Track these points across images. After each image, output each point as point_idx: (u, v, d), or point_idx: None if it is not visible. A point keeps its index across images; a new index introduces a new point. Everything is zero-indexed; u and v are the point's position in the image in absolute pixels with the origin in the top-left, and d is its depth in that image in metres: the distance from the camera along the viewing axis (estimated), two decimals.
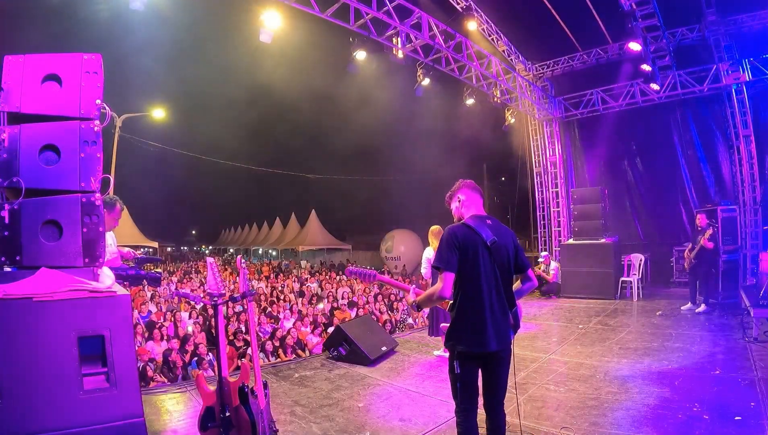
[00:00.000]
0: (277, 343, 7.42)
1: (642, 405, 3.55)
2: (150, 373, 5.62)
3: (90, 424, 1.98)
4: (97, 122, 2.32)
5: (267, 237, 31.83)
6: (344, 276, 16.84)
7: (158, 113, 15.33)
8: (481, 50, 9.43)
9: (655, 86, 9.82)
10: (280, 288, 13.05)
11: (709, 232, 7.26)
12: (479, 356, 2.36)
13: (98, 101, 2.34)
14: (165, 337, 7.04)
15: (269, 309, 9.56)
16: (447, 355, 5.59)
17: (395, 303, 10.87)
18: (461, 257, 2.33)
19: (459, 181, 2.69)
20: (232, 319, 8.30)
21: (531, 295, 9.74)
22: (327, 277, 16.35)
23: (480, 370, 2.42)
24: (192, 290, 12.06)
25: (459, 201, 2.61)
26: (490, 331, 2.31)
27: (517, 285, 2.57)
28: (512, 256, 2.47)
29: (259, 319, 8.45)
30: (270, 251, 33.48)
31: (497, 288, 2.37)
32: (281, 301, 10.74)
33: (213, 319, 2.84)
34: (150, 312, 8.71)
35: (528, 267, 2.57)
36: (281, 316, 9.12)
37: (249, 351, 6.70)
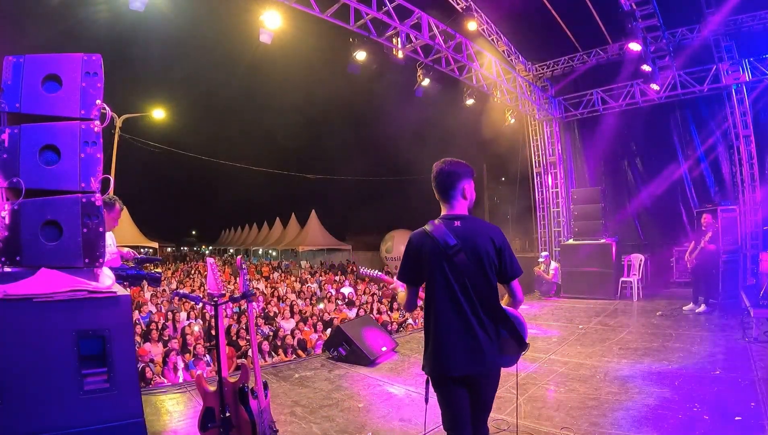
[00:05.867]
0: (278, 343, 7.43)
1: (642, 405, 3.55)
2: (150, 373, 5.62)
3: (90, 424, 1.98)
4: (97, 122, 2.32)
5: (267, 237, 31.82)
6: (344, 276, 16.86)
7: (158, 113, 15.34)
8: (481, 50, 9.43)
9: (655, 86, 9.82)
10: (280, 290, 13.05)
11: (709, 234, 7.28)
12: (448, 379, 2.05)
13: (98, 101, 2.34)
14: (165, 338, 7.04)
15: (266, 310, 9.57)
16: None
17: (396, 303, 10.88)
18: (419, 269, 2.07)
19: (434, 164, 2.21)
20: (233, 320, 8.30)
21: (531, 296, 9.74)
22: (326, 277, 16.37)
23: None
24: (192, 291, 12.06)
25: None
26: (455, 354, 2.00)
27: (507, 300, 2.19)
28: (490, 264, 2.04)
29: (257, 319, 8.45)
30: (270, 251, 33.47)
31: (469, 302, 2.00)
32: (279, 301, 10.75)
33: (213, 320, 2.84)
34: (150, 312, 8.72)
35: (511, 278, 2.12)
36: (278, 318, 9.12)
37: (249, 352, 6.70)
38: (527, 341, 2.13)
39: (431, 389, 2.11)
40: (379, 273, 2.51)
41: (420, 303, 2.22)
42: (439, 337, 2.04)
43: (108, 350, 2.07)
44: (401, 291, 2.27)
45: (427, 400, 2.10)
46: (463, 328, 2.00)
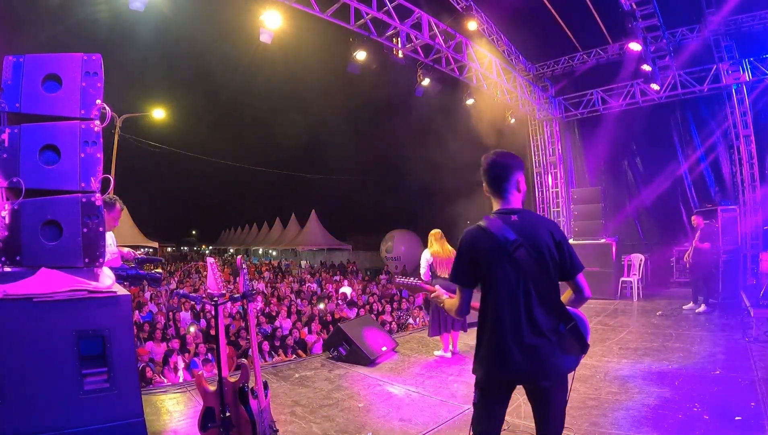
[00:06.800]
0: (277, 343, 7.43)
1: (642, 405, 3.55)
2: (150, 373, 5.62)
3: (90, 424, 1.98)
4: (97, 122, 2.32)
5: (267, 237, 31.84)
6: (342, 276, 16.85)
7: (158, 113, 15.33)
8: (481, 50, 9.43)
9: (655, 86, 9.82)
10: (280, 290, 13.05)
11: (698, 233, 7.34)
12: (503, 386, 1.94)
13: (98, 101, 2.34)
14: (165, 337, 7.04)
15: (267, 309, 9.58)
16: (448, 355, 5.57)
17: (396, 303, 10.88)
18: (475, 268, 1.95)
19: (483, 157, 2.08)
20: (235, 320, 8.30)
21: None
22: (326, 276, 16.36)
23: (529, 402, 2.01)
24: (195, 290, 12.05)
25: (484, 187, 2.10)
26: (515, 357, 1.85)
27: (567, 297, 2.04)
28: (551, 259, 1.93)
29: (258, 319, 8.45)
30: (270, 251, 33.49)
31: (527, 302, 1.88)
32: (278, 300, 10.75)
33: (213, 320, 2.84)
34: (150, 312, 8.72)
35: (575, 273, 1.98)
36: (279, 317, 9.12)
37: (249, 352, 6.70)
38: (588, 342, 1.97)
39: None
40: (418, 281, 2.32)
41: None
42: (497, 339, 1.89)
43: (108, 350, 2.07)
44: (446, 298, 2.14)
45: (476, 405, 1.97)
46: (523, 328, 1.87)
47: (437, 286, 2.26)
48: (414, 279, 2.35)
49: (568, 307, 1.97)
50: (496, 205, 2.05)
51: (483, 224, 1.97)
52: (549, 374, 1.89)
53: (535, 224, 1.98)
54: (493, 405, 1.96)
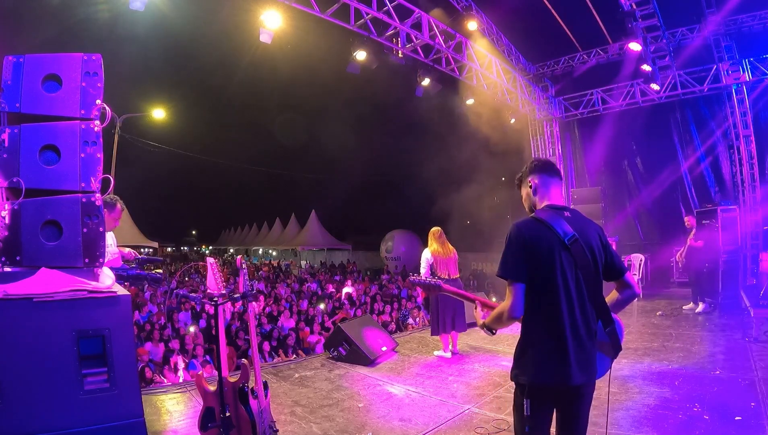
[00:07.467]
0: (275, 343, 7.43)
1: (642, 405, 3.55)
2: (149, 373, 5.62)
3: (90, 424, 1.98)
4: (97, 122, 2.32)
5: (267, 237, 31.84)
6: (343, 277, 16.84)
7: (158, 113, 15.33)
8: (481, 50, 9.44)
9: (655, 86, 9.83)
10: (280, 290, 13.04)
11: (693, 232, 7.36)
12: (554, 391, 1.84)
13: (98, 101, 2.34)
14: (165, 338, 7.04)
15: (268, 309, 9.57)
16: (448, 355, 5.54)
17: (396, 303, 10.87)
18: (531, 261, 1.84)
19: (531, 160, 2.12)
20: (233, 319, 8.29)
21: None
22: (326, 277, 16.35)
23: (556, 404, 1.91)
24: (193, 290, 12.05)
25: (530, 187, 2.05)
26: (571, 359, 1.76)
27: (612, 296, 2.00)
28: (600, 258, 1.92)
29: (260, 319, 8.45)
30: (270, 251, 33.49)
31: (581, 300, 1.83)
32: (275, 301, 10.74)
33: (213, 320, 2.84)
34: (150, 312, 8.72)
35: (624, 271, 1.99)
36: (280, 317, 9.11)
37: (250, 352, 6.70)
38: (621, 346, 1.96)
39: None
40: (437, 280, 2.26)
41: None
42: (557, 339, 1.79)
43: (108, 350, 2.07)
44: (477, 311, 2.08)
45: (528, 418, 1.83)
46: (584, 329, 1.82)
47: (478, 295, 2.22)
48: (431, 278, 2.27)
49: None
50: (544, 202, 2.03)
51: (539, 217, 1.93)
52: (592, 378, 1.86)
53: (586, 223, 1.97)
54: (545, 411, 1.88)
